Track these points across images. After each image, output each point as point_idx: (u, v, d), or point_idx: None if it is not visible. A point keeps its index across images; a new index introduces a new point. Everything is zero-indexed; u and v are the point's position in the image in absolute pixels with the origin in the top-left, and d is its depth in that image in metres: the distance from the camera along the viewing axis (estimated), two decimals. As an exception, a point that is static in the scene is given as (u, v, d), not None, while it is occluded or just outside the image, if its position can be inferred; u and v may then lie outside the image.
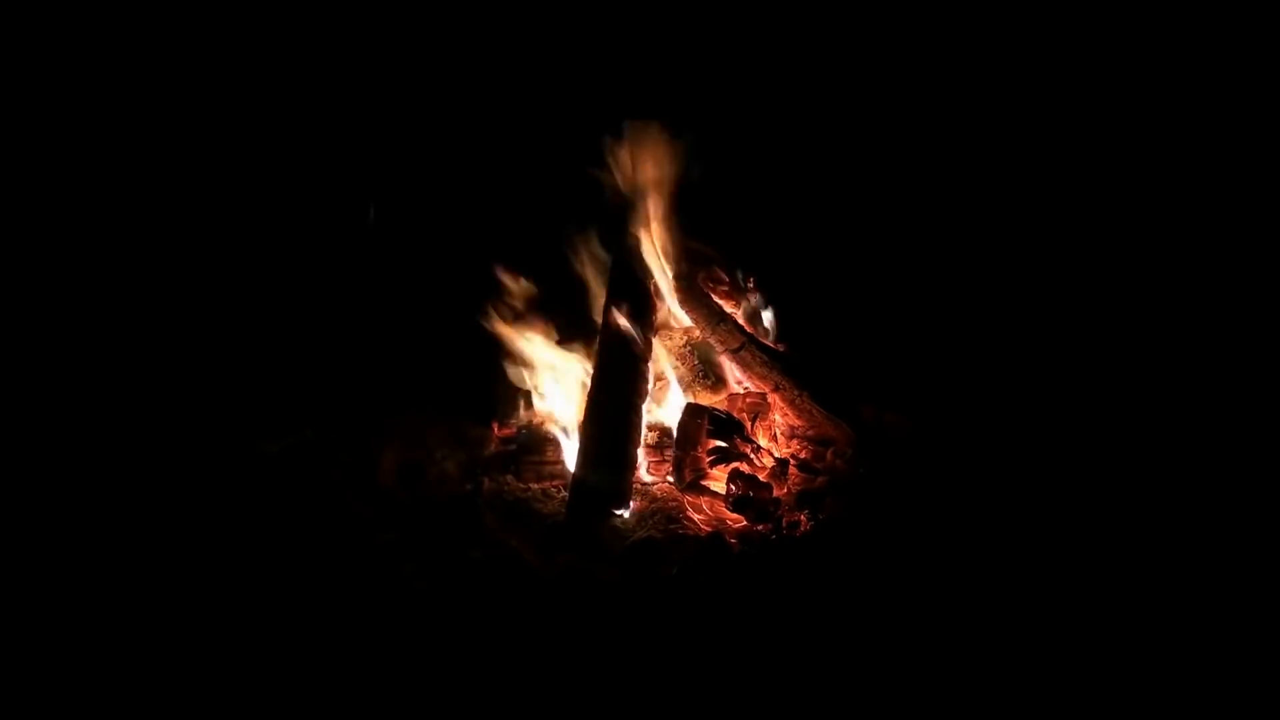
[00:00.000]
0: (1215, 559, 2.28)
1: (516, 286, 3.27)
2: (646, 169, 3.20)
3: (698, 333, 3.17)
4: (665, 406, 3.08)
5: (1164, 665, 1.97)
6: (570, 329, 3.26)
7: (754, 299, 3.39)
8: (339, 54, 4.61)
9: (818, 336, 3.37)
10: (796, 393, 2.95)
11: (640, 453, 2.82)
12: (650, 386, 3.00)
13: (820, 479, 2.74)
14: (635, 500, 2.70)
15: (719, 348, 3.09)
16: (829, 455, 2.82)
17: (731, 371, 3.12)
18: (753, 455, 2.76)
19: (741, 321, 3.23)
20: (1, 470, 2.76)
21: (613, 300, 3.06)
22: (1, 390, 3.20)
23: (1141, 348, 3.38)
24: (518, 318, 3.20)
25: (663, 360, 3.15)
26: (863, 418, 2.92)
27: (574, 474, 2.68)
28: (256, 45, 4.53)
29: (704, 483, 2.68)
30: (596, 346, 3.01)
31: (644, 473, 2.87)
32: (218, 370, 3.52)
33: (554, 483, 2.84)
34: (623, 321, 2.95)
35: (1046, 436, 2.86)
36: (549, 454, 2.93)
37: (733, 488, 2.59)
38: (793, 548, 2.43)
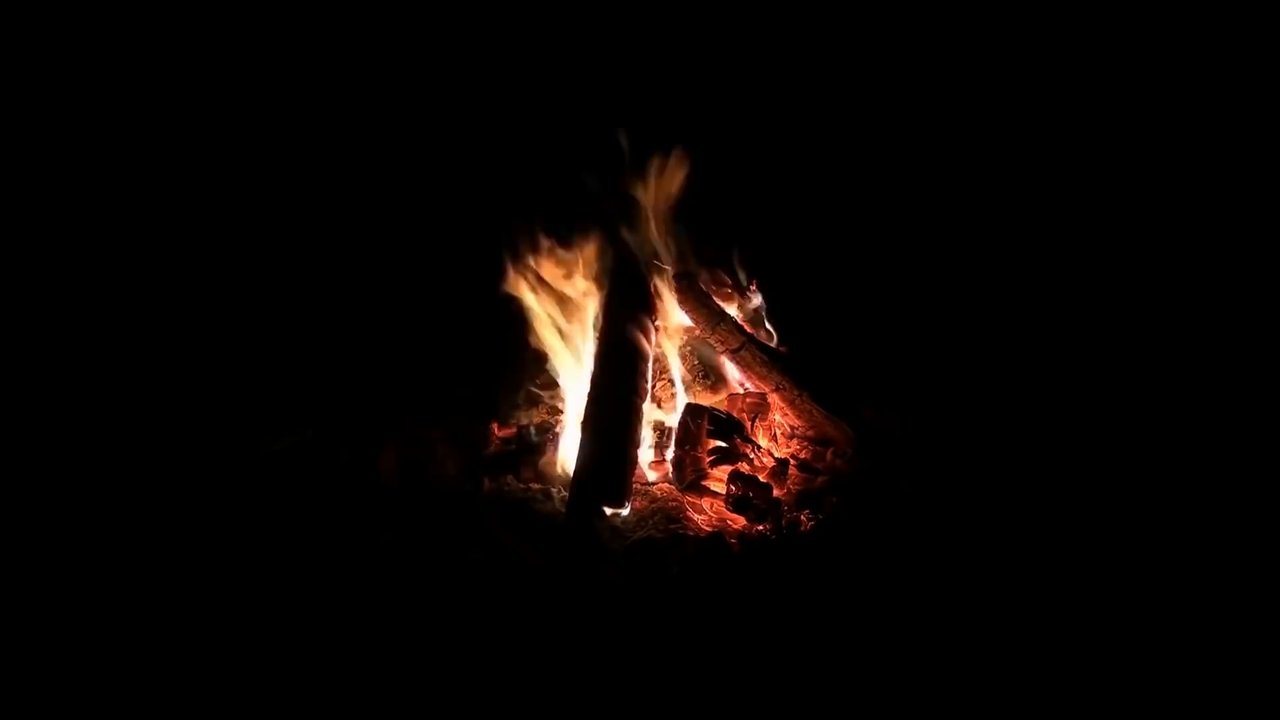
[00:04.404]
0: (1215, 557, 2.28)
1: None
2: (648, 170, 3.20)
3: (698, 333, 3.17)
4: (665, 406, 3.08)
5: (1163, 664, 1.97)
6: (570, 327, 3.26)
7: (754, 299, 3.39)
8: (339, 52, 4.62)
9: (818, 337, 3.37)
10: (796, 393, 2.95)
11: (640, 453, 2.82)
12: (650, 386, 3.00)
13: (820, 479, 2.74)
14: (635, 500, 2.70)
15: (719, 348, 3.09)
16: (829, 455, 2.82)
17: (731, 371, 3.13)
18: (753, 455, 2.76)
19: (741, 321, 3.23)
20: (4, 468, 2.77)
21: (613, 300, 3.05)
22: (5, 389, 3.21)
23: (1140, 347, 3.38)
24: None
25: (663, 360, 3.15)
26: (863, 418, 2.92)
27: (574, 474, 2.68)
28: (257, 44, 4.54)
29: (704, 483, 2.68)
30: (597, 346, 3.01)
31: (645, 472, 2.87)
32: (220, 369, 3.53)
33: (554, 483, 2.84)
34: (623, 321, 2.95)
35: (1047, 436, 2.86)
36: (549, 454, 2.93)
37: (733, 488, 2.59)
38: (793, 547, 2.43)
